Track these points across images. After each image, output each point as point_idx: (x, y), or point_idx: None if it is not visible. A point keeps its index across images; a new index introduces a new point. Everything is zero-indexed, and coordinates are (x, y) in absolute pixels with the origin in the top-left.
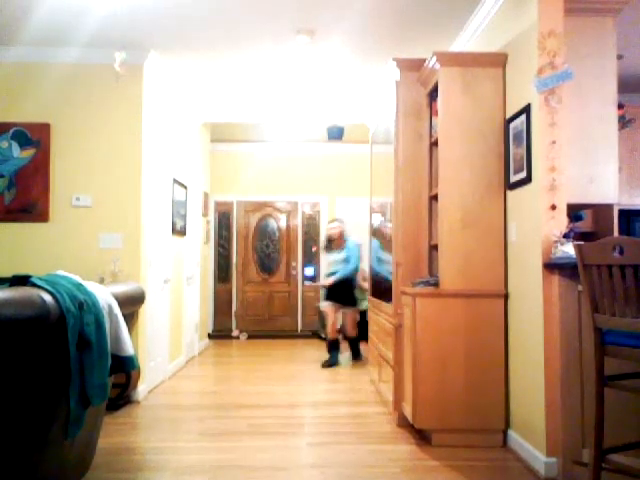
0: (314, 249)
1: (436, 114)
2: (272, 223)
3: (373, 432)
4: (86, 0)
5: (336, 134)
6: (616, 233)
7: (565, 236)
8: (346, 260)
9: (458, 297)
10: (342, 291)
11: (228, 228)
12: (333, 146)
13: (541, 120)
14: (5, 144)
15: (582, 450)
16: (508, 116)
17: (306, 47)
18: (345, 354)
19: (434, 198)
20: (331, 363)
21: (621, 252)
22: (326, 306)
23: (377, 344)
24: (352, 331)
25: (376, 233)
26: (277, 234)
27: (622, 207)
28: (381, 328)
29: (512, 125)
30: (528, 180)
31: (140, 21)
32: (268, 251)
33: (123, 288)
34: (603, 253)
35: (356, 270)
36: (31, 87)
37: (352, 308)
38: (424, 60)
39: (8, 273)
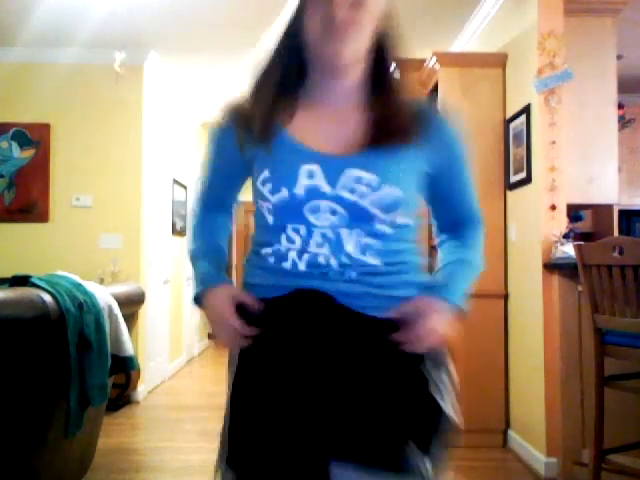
0: None
1: None
2: None
3: None
4: (86, 0)
5: None
6: (616, 233)
7: (565, 236)
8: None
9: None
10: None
11: None
12: None
13: (541, 120)
14: (5, 144)
15: (582, 450)
16: (508, 116)
17: None
18: None
19: None
20: None
21: (621, 252)
22: None
23: None
24: None
25: None
26: None
27: (622, 207)
28: None
29: (512, 125)
30: (528, 180)
31: (140, 21)
32: None
33: (123, 288)
34: (603, 253)
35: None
36: (31, 87)
37: None
38: (424, 60)
39: (8, 273)
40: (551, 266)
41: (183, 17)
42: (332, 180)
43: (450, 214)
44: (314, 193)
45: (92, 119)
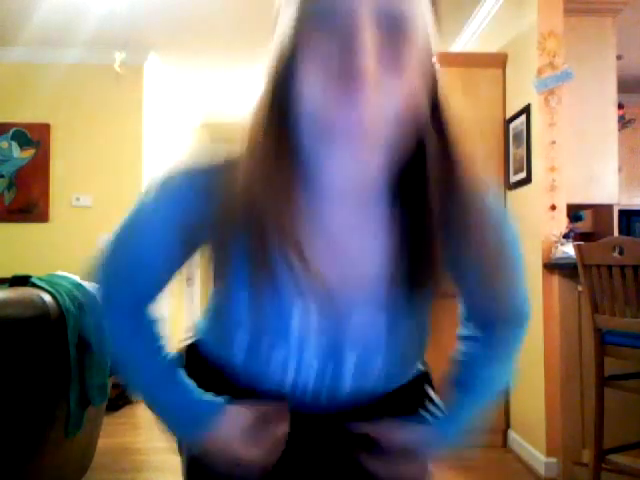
0: None
1: None
2: None
3: None
4: (86, 0)
5: None
6: (616, 233)
7: (565, 236)
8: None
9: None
10: None
11: None
12: None
13: (541, 120)
14: (5, 144)
15: (582, 450)
16: (508, 116)
17: None
18: None
19: None
20: None
21: (621, 252)
22: None
23: None
24: None
25: None
26: None
27: (622, 207)
28: None
29: (512, 125)
30: (528, 180)
31: (140, 21)
32: None
33: None
34: (603, 253)
35: None
36: (31, 87)
37: None
38: None
39: (8, 273)
40: (551, 266)
41: (183, 17)
42: (335, 327)
43: (482, 309)
44: (311, 341)
45: (92, 119)
